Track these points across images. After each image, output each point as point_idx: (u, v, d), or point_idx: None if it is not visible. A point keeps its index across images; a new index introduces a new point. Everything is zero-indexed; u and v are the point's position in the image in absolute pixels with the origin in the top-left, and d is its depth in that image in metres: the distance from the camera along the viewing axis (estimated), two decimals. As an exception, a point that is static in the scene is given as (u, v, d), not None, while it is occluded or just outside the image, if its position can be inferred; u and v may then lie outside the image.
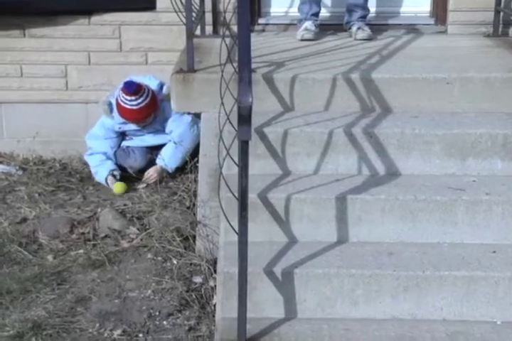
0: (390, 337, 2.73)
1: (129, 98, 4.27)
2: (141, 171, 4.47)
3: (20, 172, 4.65)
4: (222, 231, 3.05)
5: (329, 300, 2.85)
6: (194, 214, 3.81)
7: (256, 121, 3.02)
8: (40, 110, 4.82)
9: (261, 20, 4.77)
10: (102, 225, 3.89)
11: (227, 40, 3.14)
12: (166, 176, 4.42)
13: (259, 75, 3.45)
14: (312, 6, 4.40)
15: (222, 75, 3.16)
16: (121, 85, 4.31)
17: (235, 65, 2.67)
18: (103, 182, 4.41)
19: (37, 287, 3.36)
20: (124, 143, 4.58)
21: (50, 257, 3.65)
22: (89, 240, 3.80)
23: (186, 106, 3.56)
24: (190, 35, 3.45)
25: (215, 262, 3.37)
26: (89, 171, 4.55)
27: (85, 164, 4.63)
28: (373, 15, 4.73)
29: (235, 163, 2.52)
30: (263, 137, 3.24)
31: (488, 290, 2.83)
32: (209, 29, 4.50)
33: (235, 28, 2.76)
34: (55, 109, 4.83)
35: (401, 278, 2.83)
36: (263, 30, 4.70)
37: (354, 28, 4.38)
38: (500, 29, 4.48)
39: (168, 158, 4.39)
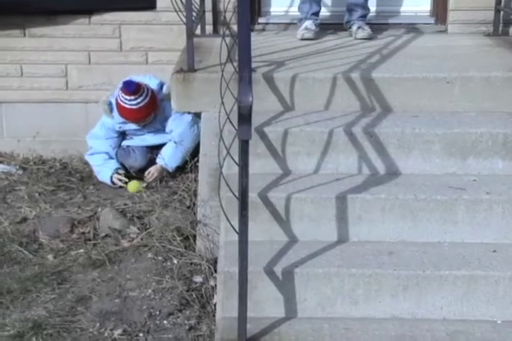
0: (390, 337, 2.73)
1: (128, 97, 4.27)
2: (142, 171, 4.47)
3: (20, 172, 4.65)
4: (223, 230, 3.05)
5: (329, 299, 2.85)
6: (194, 213, 3.81)
7: (256, 120, 3.02)
8: (41, 110, 4.82)
9: (261, 20, 4.77)
10: (103, 225, 3.89)
11: (228, 39, 3.14)
12: (166, 175, 4.42)
13: (259, 75, 3.45)
14: (312, 5, 4.40)
15: (222, 75, 3.16)
16: (120, 85, 4.31)
17: (235, 64, 2.68)
18: (107, 181, 4.41)
19: (37, 286, 3.36)
20: (125, 143, 4.58)
21: (50, 257, 3.65)
22: (89, 239, 3.80)
23: (186, 105, 3.56)
24: (190, 34, 3.45)
25: (215, 261, 3.37)
26: (90, 171, 4.56)
27: (86, 163, 4.63)
28: (373, 14, 4.73)
29: (235, 162, 2.52)
30: (263, 136, 3.24)
31: (489, 289, 2.83)
32: (209, 28, 4.50)
33: (235, 28, 2.76)
34: (55, 109, 4.83)
35: (401, 277, 2.83)
36: (263, 30, 4.70)
37: (354, 28, 4.38)
38: (500, 28, 4.48)
39: (169, 158, 4.39)
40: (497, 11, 4.40)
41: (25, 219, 3.99)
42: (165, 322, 3.11)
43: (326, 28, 4.55)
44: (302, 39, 4.31)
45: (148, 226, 3.85)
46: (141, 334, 3.02)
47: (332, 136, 3.24)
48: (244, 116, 2.37)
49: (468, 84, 3.47)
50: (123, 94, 4.28)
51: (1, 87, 4.81)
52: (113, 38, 4.69)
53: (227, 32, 3.20)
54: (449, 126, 3.30)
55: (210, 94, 3.39)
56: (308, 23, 4.36)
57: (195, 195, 3.85)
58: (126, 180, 4.38)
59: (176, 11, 3.59)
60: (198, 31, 4.07)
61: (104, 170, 4.43)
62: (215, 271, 3.28)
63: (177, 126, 4.39)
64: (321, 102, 3.48)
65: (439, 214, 3.04)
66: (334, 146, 3.24)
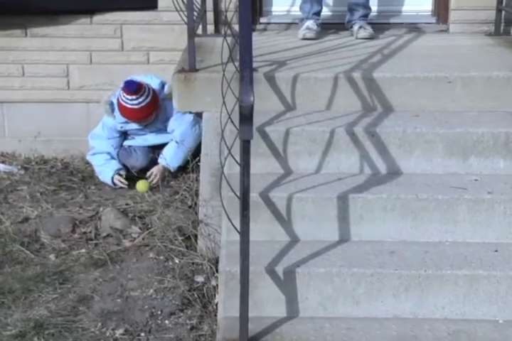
0: (392, 336, 2.73)
1: (129, 97, 4.27)
2: (143, 170, 4.47)
3: (22, 172, 4.65)
4: (224, 230, 3.05)
5: (331, 299, 2.85)
6: (196, 213, 3.81)
7: (257, 120, 3.02)
8: (42, 110, 4.83)
9: (262, 20, 4.77)
10: (104, 224, 3.89)
11: (229, 39, 3.14)
12: (168, 175, 4.42)
13: (260, 74, 3.45)
14: (314, 5, 4.40)
15: (223, 74, 3.16)
16: (121, 85, 4.31)
17: (237, 64, 2.68)
18: (108, 181, 4.41)
19: (39, 286, 3.37)
20: (126, 143, 4.58)
21: (52, 256, 3.65)
22: (91, 239, 3.80)
23: (188, 105, 3.56)
24: (191, 34, 3.45)
25: (217, 261, 3.37)
26: (91, 170, 4.56)
27: (87, 163, 4.63)
28: (375, 14, 4.73)
29: (237, 162, 2.52)
30: (265, 136, 3.24)
31: (490, 289, 2.83)
32: (211, 28, 4.50)
33: (236, 27, 2.75)
34: (56, 109, 4.83)
35: (403, 277, 2.83)
36: (265, 29, 4.70)
37: (356, 27, 4.38)
38: (502, 28, 4.47)
39: (170, 158, 4.39)
40: (498, 10, 4.40)
41: (26, 219, 3.99)
42: (166, 321, 3.11)
43: (327, 27, 4.55)
44: (303, 39, 4.31)
45: (149, 226, 3.85)
46: (142, 334, 3.02)
47: (333, 136, 3.24)
48: (246, 116, 2.38)
49: (469, 84, 3.47)
50: (124, 94, 4.28)
51: (2, 87, 4.81)
52: (114, 37, 4.70)
53: (229, 32, 3.20)
54: (450, 126, 3.30)
55: (212, 93, 3.39)
56: (310, 23, 4.36)
57: (197, 194, 3.85)
58: (127, 183, 4.37)
59: (177, 10, 3.59)
60: (199, 31, 4.07)
61: (106, 170, 4.43)
62: (217, 270, 3.28)
63: (178, 125, 4.40)
64: (323, 102, 3.48)
65: (440, 213, 3.04)
66: (335, 146, 3.24)
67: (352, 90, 3.46)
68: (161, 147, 4.50)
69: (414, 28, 4.66)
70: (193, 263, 3.50)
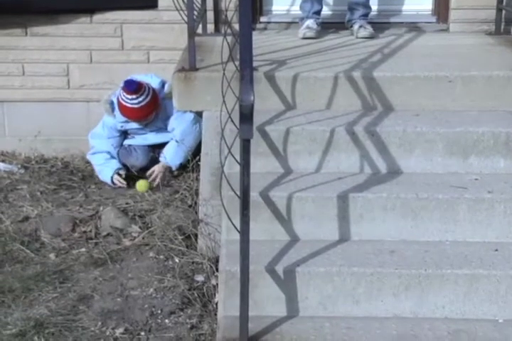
0: (392, 336, 2.73)
1: (129, 97, 4.27)
2: (143, 170, 4.47)
3: (22, 171, 4.65)
4: (224, 229, 3.05)
5: (331, 298, 2.85)
6: (196, 212, 3.81)
7: (258, 119, 3.02)
8: (42, 109, 4.83)
9: (263, 19, 4.77)
10: (104, 223, 3.89)
11: (229, 38, 3.14)
12: (168, 175, 4.42)
13: (260, 74, 3.45)
14: (314, 4, 4.40)
15: (223, 74, 3.16)
16: (121, 84, 4.31)
17: (237, 63, 2.67)
18: (108, 181, 4.41)
19: (39, 285, 3.37)
20: (126, 142, 4.58)
21: (52, 255, 3.65)
22: (91, 238, 3.80)
23: (188, 104, 3.56)
24: (191, 33, 3.45)
25: (217, 260, 3.37)
26: (92, 170, 4.56)
27: (87, 162, 4.63)
28: (375, 13, 4.73)
29: (237, 161, 2.52)
30: (265, 135, 3.24)
31: (490, 288, 2.83)
32: (211, 27, 4.50)
33: (236, 27, 2.75)
34: (56, 108, 4.83)
35: (403, 276, 2.83)
36: (265, 29, 4.70)
37: (356, 27, 4.38)
38: (502, 27, 4.47)
39: (171, 156, 4.39)
40: (499, 9, 4.40)
41: (27, 218, 4.00)
42: (166, 321, 3.11)
43: (327, 26, 4.55)
44: (304, 38, 4.31)
45: (149, 225, 3.85)
46: (142, 333, 3.02)
47: (333, 135, 3.24)
48: (246, 115, 2.37)
49: (469, 83, 3.47)
50: (124, 93, 4.28)
51: (2, 86, 4.81)
52: (114, 37, 4.70)
53: (229, 31, 3.20)
54: (450, 125, 3.30)
55: (212, 93, 3.39)
56: (310, 22, 4.36)
57: (197, 193, 3.85)
58: (125, 183, 4.37)
59: (177, 9, 3.58)
60: (199, 30, 4.07)
61: (106, 169, 4.43)
62: (217, 269, 3.28)
63: (179, 124, 4.39)
64: (323, 101, 3.48)
65: (440, 213, 3.04)
66: (336, 145, 3.24)
67: (352, 89, 3.46)
68: (161, 146, 4.50)
69: (415, 27, 4.66)
70: (193, 263, 3.50)
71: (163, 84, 4.44)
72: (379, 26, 4.54)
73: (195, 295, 3.24)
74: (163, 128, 4.50)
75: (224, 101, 2.98)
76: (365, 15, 4.44)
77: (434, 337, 2.72)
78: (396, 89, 3.48)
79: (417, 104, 3.49)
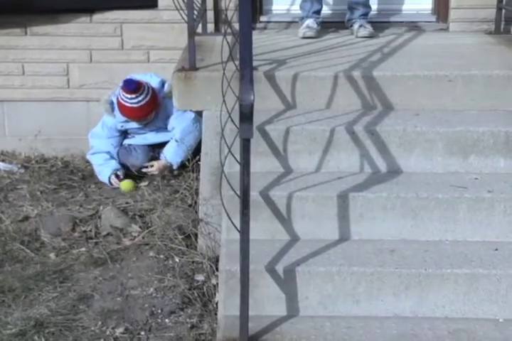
0: (392, 335, 2.73)
1: (129, 96, 4.27)
2: (143, 168, 4.47)
3: (22, 171, 4.65)
4: (224, 229, 3.05)
5: (331, 297, 2.85)
6: (196, 212, 3.81)
7: (257, 118, 3.02)
8: (42, 108, 4.83)
9: (262, 18, 4.77)
10: (104, 223, 3.89)
11: (229, 37, 3.14)
12: (167, 174, 4.42)
13: (260, 73, 3.45)
14: (314, 4, 4.40)
15: (223, 73, 3.16)
16: (121, 83, 4.31)
17: (237, 62, 2.67)
18: (106, 181, 4.42)
19: (39, 285, 3.37)
20: (126, 142, 4.58)
21: (52, 255, 3.65)
22: (91, 238, 3.80)
23: (188, 103, 3.56)
24: (191, 33, 3.45)
25: (217, 260, 3.37)
26: (92, 169, 4.56)
27: (87, 162, 4.63)
28: (375, 12, 4.73)
29: (237, 160, 2.52)
30: (265, 135, 3.24)
31: (490, 287, 2.83)
32: (211, 27, 4.50)
33: (236, 26, 2.75)
34: (56, 108, 4.83)
35: (403, 275, 2.83)
36: (265, 28, 4.70)
37: (356, 26, 4.37)
38: (502, 26, 4.47)
39: (171, 156, 4.39)
40: (499, 9, 4.40)
41: (27, 218, 4.00)
42: (167, 320, 3.11)
43: (327, 26, 4.55)
44: (304, 37, 4.30)
45: (149, 225, 3.85)
46: (142, 333, 3.02)
47: (333, 135, 3.24)
48: (246, 115, 2.37)
49: (469, 83, 3.47)
50: (124, 93, 4.29)
51: (2, 86, 4.81)
52: (114, 36, 4.69)
53: (229, 30, 3.20)
54: (450, 125, 3.29)
55: (212, 92, 3.39)
56: (310, 22, 4.36)
57: (197, 193, 3.85)
58: (119, 180, 4.38)
59: (177, 9, 3.58)
60: (199, 30, 4.07)
61: (104, 170, 4.43)
62: (217, 269, 3.28)
63: (179, 123, 4.40)
64: (323, 101, 3.48)
65: (440, 212, 3.04)
66: (336, 145, 3.24)
67: (352, 89, 3.46)
68: (161, 146, 4.50)
69: (414, 26, 4.66)
70: (193, 262, 3.50)
71: (162, 83, 4.44)
72: (379, 25, 4.54)
73: (196, 294, 3.24)
74: (163, 128, 4.51)
75: (224, 100, 2.98)
76: (365, 15, 4.44)
77: (434, 336, 2.72)
78: (396, 88, 3.48)
79: (417, 104, 3.49)
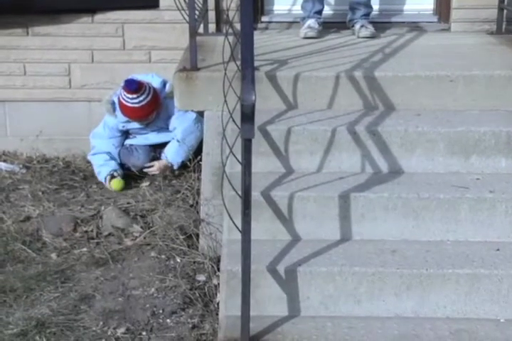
0: (393, 335, 2.73)
1: (130, 96, 4.27)
2: (144, 168, 4.47)
3: (23, 171, 4.65)
4: (226, 229, 3.06)
5: (332, 298, 2.85)
6: (197, 212, 3.81)
7: (259, 119, 3.02)
8: (44, 109, 4.83)
9: (264, 18, 4.77)
10: (106, 223, 3.90)
11: (231, 38, 3.14)
12: (169, 174, 4.42)
13: (262, 73, 3.45)
14: (315, 4, 4.40)
15: (225, 73, 3.16)
16: (122, 83, 4.32)
17: (238, 63, 2.68)
18: (103, 181, 4.42)
19: (40, 285, 3.37)
20: (128, 142, 4.59)
21: (53, 255, 3.65)
22: (92, 238, 3.80)
23: (189, 104, 3.56)
24: (193, 33, 3.45)
25: (218, 260, 3.37)
26: (93, 169, 4.55)
27: (89, 162, 4.63)
28: (376, 13, 4.73)
29: (238, 161, 2.52)
30: (266, 135, 3.24)
31: (492, 287, 2.83)
32: (212, 27, 4.50)
33: (238, 26, 2.75)
34: (58, 108, 4.83)
35: (404, 276, 2.83)
36: (266, 28, 4.70)
37: (357, 26, 4.38)
38: (503, 26, 4.47)
39: (172, 156, 4.39)
40: (500, 9, 4.40)
41: (28, 218, 4.00)
42: (168, 320, 3.11)
43: (328, 26, 4.55)
44: (305, 38, 4.31)
45: (151, 225, 3.85)
46: (144, 333, 3.02)
47: (335, 135, 3.23)
48: (247, 115, 2.38)
49: (471, 83, 3.47)
50: (125, 93, 4.29)
51: (4, 86, 4.81)
52: (116, 36, 4.70)
53: (230, 30, 3.20)
54: (452, 125, 3.29)
55: (213, 92, 3.39)
56: (311, 22, 4.36)
57: (198, 193, 3.86)
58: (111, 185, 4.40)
59: (178, 9, 3.59)
60: (200, 30, 4.07)
61: (104, 170, 4.43)
62: (218, 269, 3.28)
63: (180, 123, 4.40)
64: (324, 101, 3.48)
65: (442, 212, 3.03)
66: (337, 145, 3.24)
67: (353, 89, 3.46)
68: (162, 146, 4.50)
69: (416, 26, 4.66)
70: (194, 262, 3.50)
71: (164, 83, 4.44)
72: (380, 26, 4.54)
73: (197, 294, 3.24)
74: (165, 128, 4.51)
75: (225, 100, 2.98)
76: (367, 15, 4.44)
77: (436, 336, 2.72)
78: (397, 88, 3.48)
79: (419, 104, 3.49)
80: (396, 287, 2.84)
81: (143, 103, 4.29)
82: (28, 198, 4.24)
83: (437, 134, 3.25)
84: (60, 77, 4.79)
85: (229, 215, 2.77)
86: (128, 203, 4.13)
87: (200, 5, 3.97)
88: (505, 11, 4.41)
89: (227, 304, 2.83)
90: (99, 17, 4.67)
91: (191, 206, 3.98)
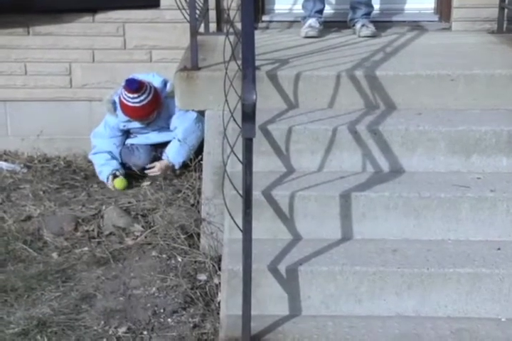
0: (394, 335, 2.73)
1: (131, 95, 4.27)
2: (145, 169, 4.48)
3: (24, 170, 4.65)
4: (227, 228, 3.06)
5: (333, 297, 2.85)
6: (198, 211, 3.81)
7: (260, 118, 3.02)
8: (45, 108, 4.83)
9: (265, 18, 4.77)
10: (107, 223, 3.90)
11: (231, 37, 3.14)
12: (170, 173, 4.42)
13: (263, 73, 3.45)
14: (316, 3, 4.40)
15: (226, 73, 3.16)
16: (123, 83, 4.32)
17: (239, 62, 2.67)
18: (105, 181, 4.42)
19: (42, 284, 3.37)
20: (129, 141, 4.59)
21: (54, 255, 3.65)
22: (93, 238, 3.81)
23: (190, 103, 3.56)
24: (194, 32, 3.45)
25: (219, 259, 3.37)
26: (94, 169, 4.56)
27: (90, 162, 4.64)
28: (377, 12, 4.73)
29: (239, 160, 2.52)
30: (267, 134, 3.24)
31: (493, 287, 2.83)
32: (213, 26, 4.50)
33: (238, 26, 2.75)
34: (59, 107, 4.83)
35: (405, 275, 2.83)
36: (267, 28, 4.70)
37: (358, 25, 4.38)
38: (504, 26, 4.47)
39: (173, 155, 4.39)
40: (501, 8, 4.40)
41: (29, 218, 4.00)
42: (169, 320, 3.11)
43: (329, 25, 4.55)
44: (306, 37, 4.31)
45: (152, 225, 3.85)
46: (145, 332, 3.02)
47: (336, 134, 3.23)
48: (248, 114, 2.38)
49: (472, 82, 3.47)
50: (126, 92, 4.29)
51: (5, 86, 4.82)
52: (117, 36, 4.70)
53: (231, 30, 3.21)
54: (452, 124, 3.29)
55: (214, 92, 3.39)
56: (312, 21, 4.36)
57: (199, 193, 3.86)
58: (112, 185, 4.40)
59: (179, 9, 3.59)
60: (201, 29, 4.07)
61: (105, 170, 4.43)
62: (219, 268, 3.29)
63: (181, 123, 4.40)
64: (325, 100, 3.48)
65: (442, 212, 3.03)
66: (338, 144, 3.24)
67: (354, 88, 3.46)
68: (163, 145, 4.50)
69: (417, 26, 4.66)
70: (195, 262, 3.50)
71: (165, 83, 4.45)
72: (381, 25, 4.55)
73: (198, 294, 3.24)
74: (166, 127, 4.51)
75: (226, 100, 2.98)
76: (368, 14, 4.44)
77: (437, 336, 2.72)
78: (398, 87, 3.48)
79: (419, 103, 3.49)
80: (397, 286, 2.84)
81: (144, 102, 4.29)
82: (29, 198, 4.24)
83: (438, 133, 3.25)
84: (61, 77, 4.79)
85: (230, 214, 2.77)
86: (129, 202, 4.13)
87: (200, 4, 3.97)
88: (506, 10, 4.41)
89: (228, 303, 2.83)
90: (100, 16, 4.67)
91: (192, 205, 3.98)
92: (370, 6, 4.46)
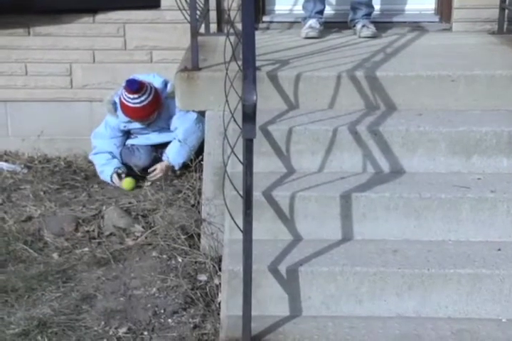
0: (394, 335, 2.73)
1: (131, 96, 4.27)
2: (146, 169, 4.48)
3: (25, 171, 4.65)
4: (227, 229, 3.06)
5: (334, 298, 2.85)
6: (199, 212, 3.81)
7: (260, 119, 3.02)
8: (45, 108, 4.83)
9: (265, 18, 4.77)
10: (107, 223, 3.90)
11: (232, 38, 3.14)
12: (171, 174, 4.42)
13: (263, 73, 3.45)
14: (316, 4, 4.40)
15: (226, 73, 3.16)
16: (123, 84, 4.32)
17: (240, 62, 2.68)
18: (108, 180, 4.42)
19: (42, 285, 3.37)
20: (129, 142, 4.59)
21: (55, 255, 3.65)
22: (94, 238, 3.81)
23: (191, 104, 3.56)
24: (194, 33, 3.45)
25: (219, 260, 3.37)
26: (94, 169, 4.56)
27: (90, 162, 4.64)
28: (378, 12, 4.73)
29: (240, 161, 2.52)
30: (267, 135, 3.24)
31: (494, 287, 2.83)
32: (213, 27, 4.51)
33: (239, 26, 2.75)
34: (59, 108, 4.83)
35: (406, 275, 2.83)
36: (267, 28, 4.70)
37: (358, 26, 4.38)
38: (505, 26, 4.46)
39: (173, 156, 4.39)
40: (502, 9, 4.40)
41: (30, 218, 4.00)
42: (169, 320, 3.11)
43: (330, 26, 4.55)
44: (306, 38, 4.31)
45: (152, 225, 3.85)
46: (145, 333, 3.02)
47: (336, 135, 3.24)
48: (249, 115, 2.38)
49: (472, 83, 3.47)
50: (126, 93, 4.29)
51: (5, 86, 4.82)
52: (117, 36, 4.70)
53: (232, 30, 3.21)
54: (453, 125, 3.29)
55: (215, 92, 3.40)
56: (313, 22, 4.36)
57: (200, 193, 3.86)
58: (121, 178, 4.39)
59: (180, 9, 3.59)
60: (202, 30, 4.07)
61: (107, 169, 4.43)
62: (220, 269, 3.29)
63: (181, 123, 4.40)
64: (326, 101, 3.48)
65: (443, 212, 3.03)
66: (338, 145, 3.24)
67: (355, 89, 3.46)
68: (163, 146, 4.50)
69: (417, 26, 4.66)
70: (196, 262, 3.50)
71: (165, 83, 4.45)
72: (382, 26, 4.55)
73: (198, 294, 3.24)
74: (166, 128, 4.51)
75: (227, 100, 2.98)
76: (368, 15, 4.44)
77: (437, 336, 2.72)
78: (399, 88, 3.48)
79: (420, 104, 3.49)
80: (397, 287, 2.84)
81: (144, 103, 4.29)
82: (29, 198, 4.24)
83: (439, 134, 3.25)
84: (62, 77, 4.79)
85: (230, 215, 2.77)
86: (129, 203, 4.13)
87: (201, 5, 3.97)
88: (506, 11, 4.41)
89: (229, 304, 2.83)
90: (100, 17, 4.67)
91: (193, 206, 3.98)
92: (370, 6, 4.46)
